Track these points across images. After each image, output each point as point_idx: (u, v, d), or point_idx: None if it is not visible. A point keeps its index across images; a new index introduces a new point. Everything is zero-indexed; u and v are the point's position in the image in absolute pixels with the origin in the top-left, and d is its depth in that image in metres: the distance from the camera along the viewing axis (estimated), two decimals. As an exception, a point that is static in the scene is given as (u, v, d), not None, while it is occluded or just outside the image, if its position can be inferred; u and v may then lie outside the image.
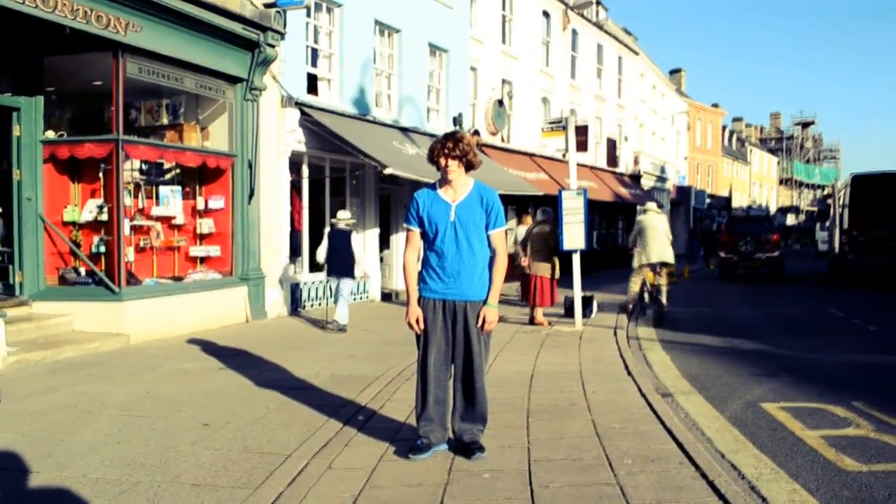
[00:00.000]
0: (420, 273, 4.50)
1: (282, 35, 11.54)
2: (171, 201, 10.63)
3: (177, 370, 7.50)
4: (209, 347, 8.81)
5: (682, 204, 42.46)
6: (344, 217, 10.94)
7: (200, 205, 11.28)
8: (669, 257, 11.86)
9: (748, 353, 8.99)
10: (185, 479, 4.19)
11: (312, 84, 13.61)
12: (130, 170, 10.21)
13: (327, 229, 10.79)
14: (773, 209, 66.19)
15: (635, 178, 32.99)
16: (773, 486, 4.15)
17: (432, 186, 4.53)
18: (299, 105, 12.48)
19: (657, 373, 7.66)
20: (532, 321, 10.92)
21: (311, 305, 13.28)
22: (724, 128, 56.50)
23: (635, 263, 11.97)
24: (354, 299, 11.45)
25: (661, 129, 38.67)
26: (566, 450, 4.59)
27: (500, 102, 20.48)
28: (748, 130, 71.28)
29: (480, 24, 19.94)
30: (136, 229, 10.09)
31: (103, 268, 9.72)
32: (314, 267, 13.67)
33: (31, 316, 9.15)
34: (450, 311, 4.39)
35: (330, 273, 10.76)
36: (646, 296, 11.98)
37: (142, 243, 10.27)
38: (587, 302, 11.50)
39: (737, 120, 68.67)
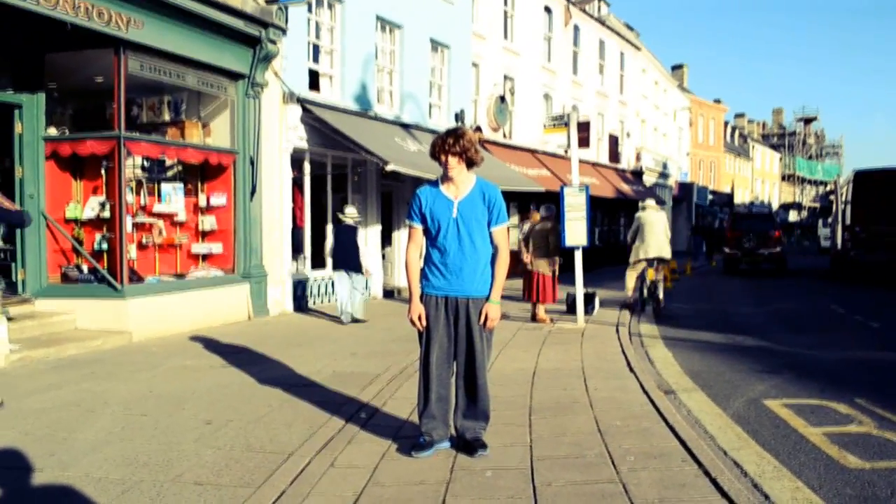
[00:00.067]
0: (422, 270, 4.50)
1: (283, 31, 11.53)
2: (173, 198, 10.63)
3: (179, 368, 7.51)
4: (211, 345, 8.82)
5: (685, 200, 42.44)
6: (350, 213, 11.18)
7: (202, 202, 11.28)
8: (667, 253, 12.08)
9: (750, 349, 8.98)
10: (188, 477, 4.19)
11: (314, 80, 13.60)
12: (132, 167, 10.20)
13: (329, 226, 10.91)
14: (775, 205, 66.12)
15: (637, 174, 32.94)
16: (775, 484, 4.14)
17: (434, 183, 4.52)
18: (301, 101, 12.47)
19: (659, 370, 7.66)
20: (534, 318, 10.92)
21: (314, 302, 13.29)
22: (726, 124, 56.38)
23: (632, 258, 12.24)
24: (354, 296, 11.46)
25: (664, 126, 38.62)
26: (569, 447, 4.59)
27: (502, 98, 20.44)
28: (750, 126, 71.14)
29: (482, 20, 19.91)
30: (138, 226, 10.10)
31: (105, 265, 9.74)
32: (316, 264, 13.73)
33: (33, 313, 9.16)
34: (452, 307, 4.39)
35: (335, 268, 11.03)
36: (644, 291, 12.14)
37: (144, 240, 10.27)
38: (589, 299, 11.50)
39: (739, 116, 68.51)
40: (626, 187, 28.91)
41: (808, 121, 74.96)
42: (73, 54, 9.50)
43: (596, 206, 23.76)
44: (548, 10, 24.23)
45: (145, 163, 10.53)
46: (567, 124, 11.22)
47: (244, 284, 11.30)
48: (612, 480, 4.00)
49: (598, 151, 27.54)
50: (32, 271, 9.55)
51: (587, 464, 4.28)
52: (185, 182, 11.05)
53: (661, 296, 12.03)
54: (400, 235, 16.05)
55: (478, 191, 4.42)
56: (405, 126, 15.39)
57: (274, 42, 11.32)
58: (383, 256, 15.71)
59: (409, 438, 4.67)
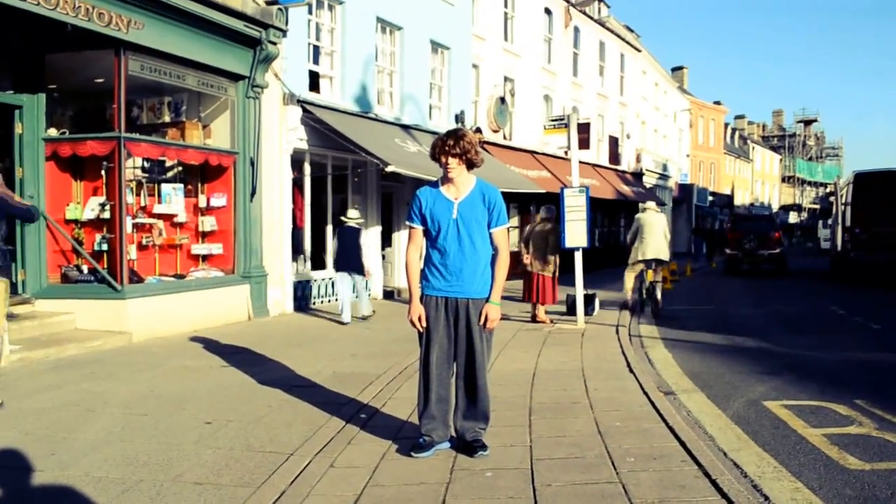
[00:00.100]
0: (422, 271, 4.50)
1: (284, 32, 11.53)
2: (174, 199, 10.64)
3: (179, 368, 7.51)
4: (211, 345, 8.82)
5: (685, 202, 42.46)
6: (353, 216, 11.44)
7: (202, 202, 11.29)
8: (664, 255, 12.25)
9: (750, 350, 8.98)
10: (188, 477, 4.19)
11: (314, 81, 13.61)
12: (132, 167, 10.21)
13: (330, 227, 11.03)
14: (775, 207, 66.12)
15: (637, 175, 32.95)
16: (775, 485, 4.14)
17: (435, 184, 4.52)
18: (301, 102, 12.48)
19: (659, 370, 7.66)
20: (534, 319, 10.93)
21: (314, 303, 13.30)
22: (726, 125, 56.38)
23: (631, 259, 12.39)
24: (357, 297, 11.50)
25: (664, 127, 38.63)
26: (568, 448, 4.59)
27: (502, 100, 20.45)
28: (750, 128, 71.13)
29: (482, 22, 19.92)
30: (138, 227, 10.10)
31: (105, 266, 9.74)
32: (316, 264, 13.74)
33: (33, 314, 9.16)
34: (452, 308, 4.39)
35: (338, 269, 11.21)
36: (643, 292, 12.24)
37: (144, 241, 10.28)
38: (589, 300, 11.51)
39: (739, 117, 68.50)
40: (626, 189, 28.91)
41: (808, 122, 74.97)
42: (73, 55, 9.51)
43: (596, 207, 23.81)
44: (548, 11, 24.24)
45: (145, 164, 10.54)
46: (567, 126, 11.22)
47: (244, 285, 11.31)
48: (611, 481, 4.00)
49: (598, 153, 27.54)
50: (32, 272, 9.55)
51: (587, 464, 4.28)
52: (185, 183, 11.06)
53: (658, 296, 12.13)
54: (400, 236, 16.05)
55: (478, 192, 4.43)
56: (405, 127, 15.40)
57: (274, 43, 11.33)
58: (383, 257, 15.71)
59: (409, 439, 4.67)
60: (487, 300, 4.37)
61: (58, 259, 9.87)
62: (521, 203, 21.20)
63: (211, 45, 10.44)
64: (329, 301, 13.58)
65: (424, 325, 4.41)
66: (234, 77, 11.15)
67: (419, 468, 4.26)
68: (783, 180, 72.95)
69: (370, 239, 14.74)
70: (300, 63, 12.90)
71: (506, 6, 21.54)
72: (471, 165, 4.42)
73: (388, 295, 15.40)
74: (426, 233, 4.48)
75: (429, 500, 3.79)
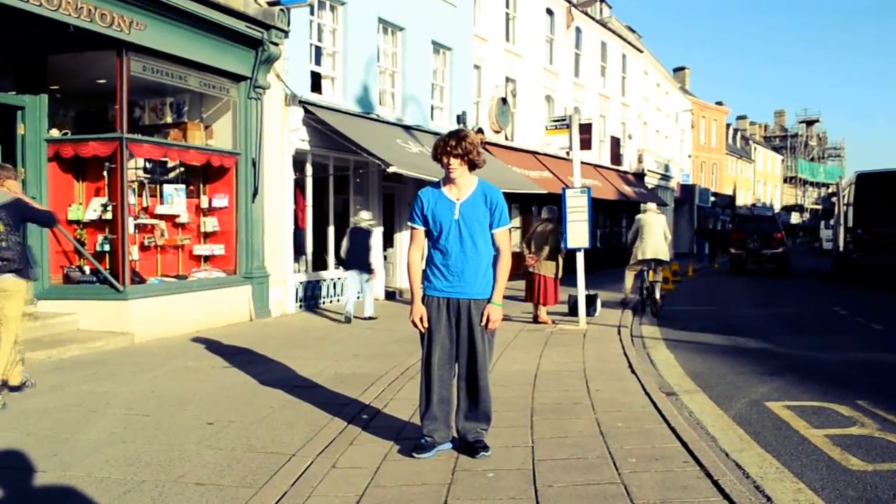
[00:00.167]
0: (424, 271, 4.50)
1: (285, 33, 11.54)
2: (175, 200, 10.64)
3: (181, 369, 7.51)
4: (213, 346, 8.82)
5: (686, 202, 42.43)
6: (366, 217, 11.76)
7: (204, 203, 11.29)
8: (664, 255, 12.40)
9: (752, 351, 8.97)
10: (190, 478, 4.19)
11: (316, 82, 13.61)
12: (134, 168, 10.21)
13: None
14: (777, 207, 66.04)
15: (639, 176, 32.93)
16: (777, 486, 4.14)
17: (437, 185, 4.53)
18: (303, 103, 12.48)
19: (661, 371, 7.66)
20: (536, 320, 10.92)
21: (315, 304, 13.30)
22: (728, 126, 56.33)
23: (631, 260, 12.62)
24: (358, 297, 11.53)
25: (665, 127, 38.60)
26: (570, 449, 4.59)
27: (504, 100, 20.44)
28: (752, 128, 71.08)
29: (484, 22, 19.92)
30: (140, 228, 10.11)
31: (107, 266, 9.74)
32: (318, 265, 13.75)
33: (35, 314, 9.16)
34: (454, 309, 4.39)
35: (349, 268, 11.45)
36: (644, 292, 12.31)
37: (146, 242, 10.28)
38: (591, 300, 11.51)
39: (741, 118, 68.48)
40: (627, 189, 28.90)
41: (810, 123, 74.92)
42: (75, 56, 9.52)
43: (598, 207, 23.83)
44: (549, 12, 24.24)
45: (147, 164, 10.54)
46: (569, 126, 11.22)
47: (246, 286, 11.31)
48: (613, 482, 4.00)
49: (599, 153, 27.53)
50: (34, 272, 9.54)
51: (589, 465, 4.28)
52: (187, 183, 11.06)
53: (657, 296, 12.19)
54: (402, 237, 16.05)
55: (479, 193, 4.43)
56: (407, 128, 15.40)
57: (276, 44, 11.34)
58: (385, 258, 15.70)
59: (411, 440, 4.67)
60: (489, 301, 4.37)
61: (60, 260, 9.88)
62: (522, 204, 21.21)
63: (213, 46, 10.45)
64: (331, 302, 13.62)
65: (426, 325, 4.40)
66: (236, 78, 11.16)
67: (421, 469, 4.26)
68: (785, 181, 72.89)
69: (379, 240, 14.79)
70: (302, 64, 12.91)
71: (507, 7, 21.54)
72: (473, 166, 4.43)
73: (390, 295, 15.40)
74: (428, 233, 4.48)
75: (430, 500, 3.79)
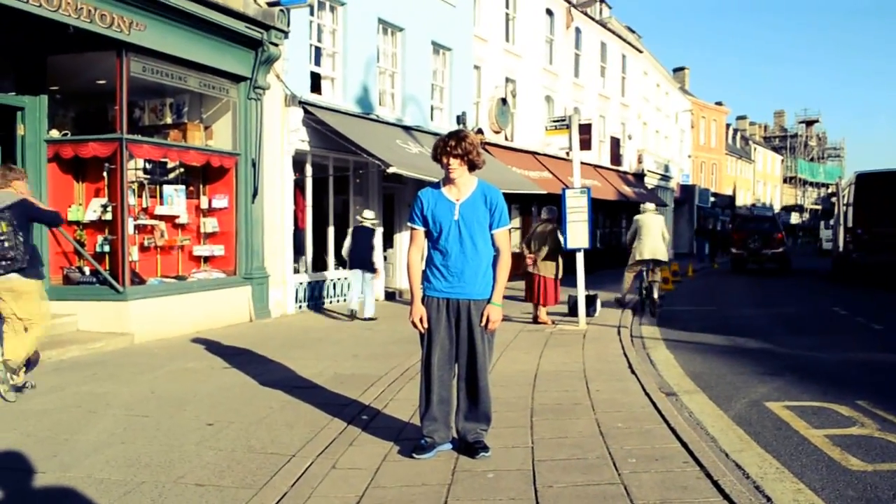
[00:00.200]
0: (424, 272, 4.50)
1: (285, 34, 11.54)
2: (175, 200, 10.64)
3: (181, 369, 7.51)
4: (213, 347, 8.82)
5: (686, 202, 42.44)
6: (369, 217, 11.87)
7: (204, 204, 11.29)
8: (662, 255, 12.47)
9: (752, 351, 8.97)
10: (189, 479, 4.19)
11: (316, 83, 13.62)
12: (134, 169, 10.21)
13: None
14: (777, 207, 66.07)
15: (639, 176, 32.93)
16: (777, 486, 4.14)
17: (436, 185, 4.53)
18: (303, 104, 12.49)
19: (661, 371, 7.66)
20: (536, 320, 10.92)
21: (315, 304, 13.30)
22: (727, 126, 56.34)
23: (630, 260, 12.67)
24: (364, 297, 11.54)
25: (665, 128, 38.60)
26: (570, 449, 4.59)
27: (504, 101, 20.45)
28: (752, 129, 71.11)
29: (484, 23, 19.92)
30: (140, 229, 10.11)
31: (107, 267, 9.74)
32: (318, 266, 13.75)
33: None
34: (454, 309, 4.39)
35: (352, 267, 11.60)
36: (643, 293, 12.33)
37: (146, 243, 10.28)
38: (591, 301, 11.51)
39: (741, 118, 68.50)
40: (627, 189, 28.90)
41: (809, 123, 74.95)
42: (75, 56, 9.52)
43: (597, 208, 23.85)
44: (549, 12, 24.24)
45: (147, 165, 10.54)
46: (569, 126, 11.22)
47: (246, 286, 11.31)
48: (613, 482, 4.00)
49: (599, 154, 27.53)
50: (34, 273, 9.54)
51: (588, 465, 4.28)
52: (186, 184, 11.06)
53: (655, 296, 12.22)
54: (402, 237, 16.05)
55: (479, 193, 4.43)
56: (407, 128, 15.40)
57: (276, 45, 11.34)
58: (385, 258, 15.70)
59: (411, 440, 4.67)
60: (489, 301, 4.37)
61: (60, 261, 9.88)
62: (522, 204, 21.21)
63: (212, 47, 10.45)
64: (331, 302, 13.62)
65: (426, 326, 4.41)
66: (236, 78, 11.16)
67: (421, 469, 4.26)
68: (785, 181, 72.91)
69: (380, 240, 14.80)
70: (302, 64, 12.91)
71: (507, 7, 21.54)
72: (472, 166, 4.43)
73: (390, 296, 15.40)
74: (428, 234, 4.49)
75: (430, 501, 3.79)
